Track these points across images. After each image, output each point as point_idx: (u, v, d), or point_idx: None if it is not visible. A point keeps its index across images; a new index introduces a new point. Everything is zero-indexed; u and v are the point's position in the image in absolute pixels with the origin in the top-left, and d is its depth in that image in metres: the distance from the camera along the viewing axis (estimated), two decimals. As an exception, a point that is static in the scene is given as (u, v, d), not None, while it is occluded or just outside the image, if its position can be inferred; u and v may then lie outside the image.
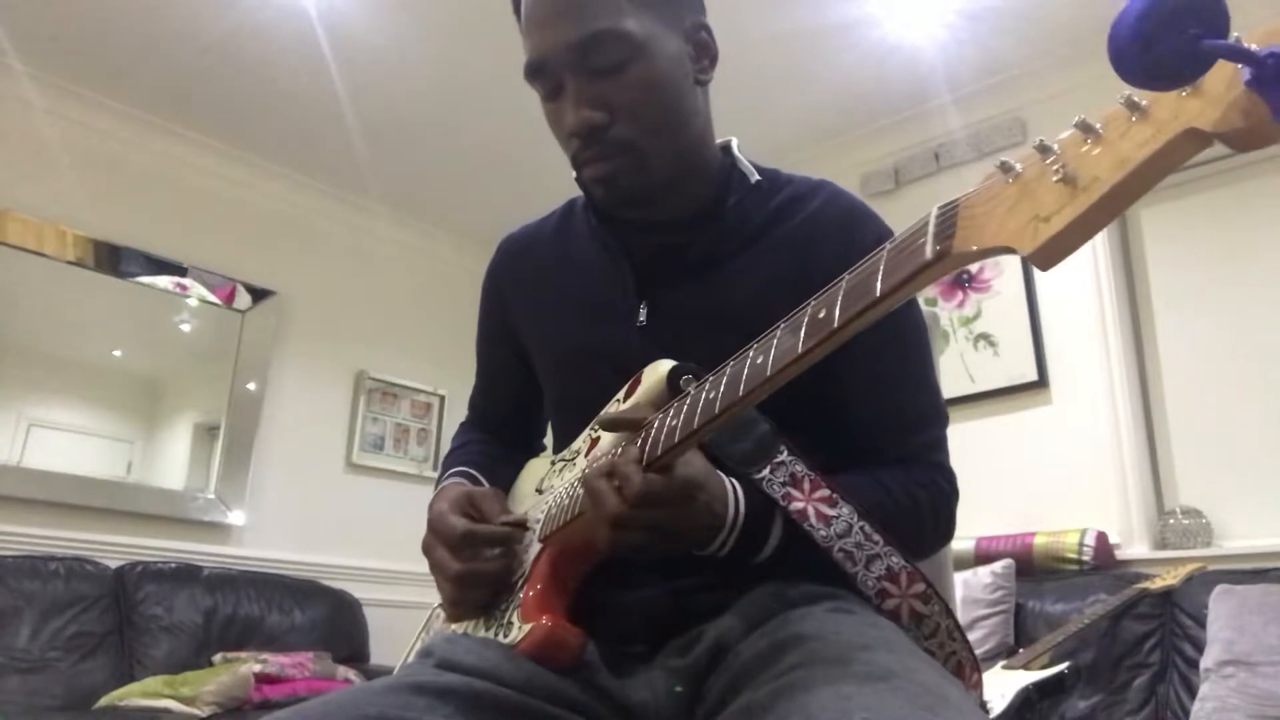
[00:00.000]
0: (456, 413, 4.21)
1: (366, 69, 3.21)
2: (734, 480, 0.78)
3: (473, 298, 1.12)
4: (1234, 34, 0.36)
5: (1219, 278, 2.87)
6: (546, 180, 3.48)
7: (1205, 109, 0.37)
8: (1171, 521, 2.75)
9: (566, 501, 0.83)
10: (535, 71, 0.89)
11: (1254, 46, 0.35)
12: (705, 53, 0.94)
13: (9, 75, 3.18)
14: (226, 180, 3.75)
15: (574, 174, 0.97)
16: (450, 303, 4.23)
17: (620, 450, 0.75)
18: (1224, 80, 0.36)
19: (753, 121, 3.40)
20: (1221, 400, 2.81)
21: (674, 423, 0.70)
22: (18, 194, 3.20)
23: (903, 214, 1.01)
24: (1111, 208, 0.40)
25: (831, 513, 0.76)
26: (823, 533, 0.75)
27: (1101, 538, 2.69)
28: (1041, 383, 3.04)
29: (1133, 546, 2.76)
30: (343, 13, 2.95)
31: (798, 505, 0.75)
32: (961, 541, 2.77)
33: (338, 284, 4.04)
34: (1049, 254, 0.42)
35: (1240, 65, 0.35)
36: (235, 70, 3.24)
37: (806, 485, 0.76)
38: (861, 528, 0.75)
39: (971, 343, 3.20)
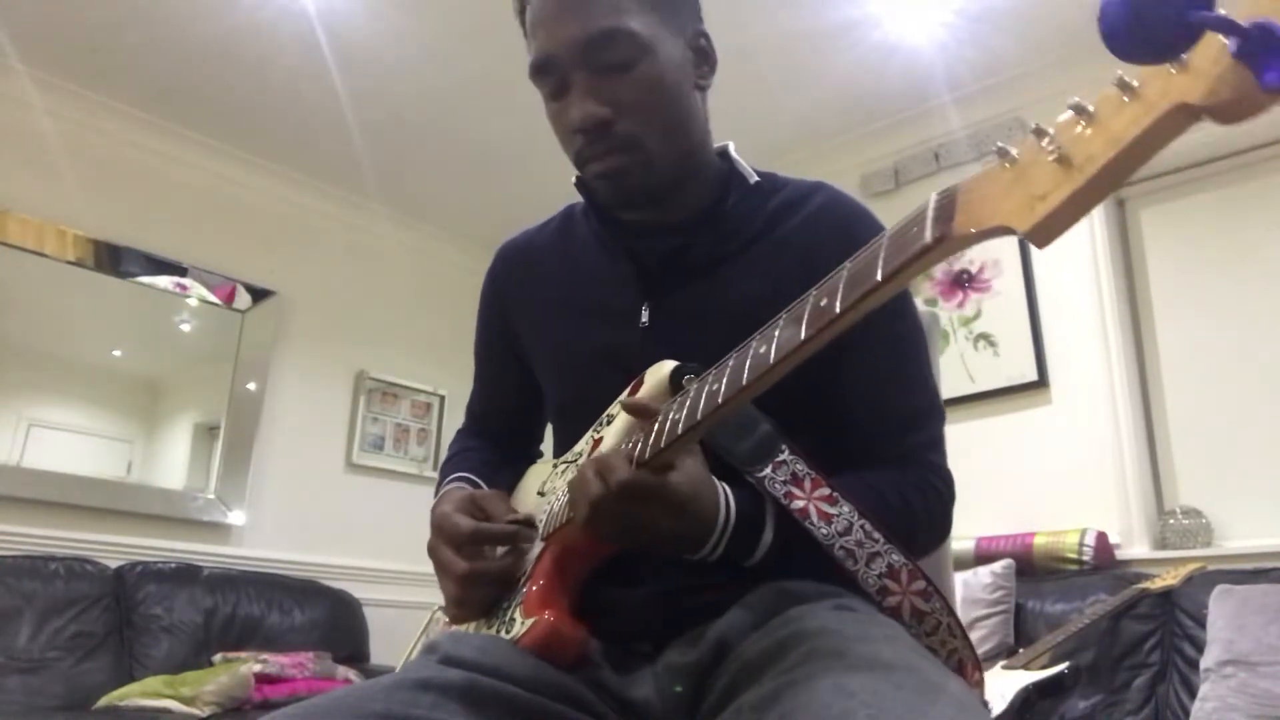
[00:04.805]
0: (456, 413, 4.21)
1: (366, 69, 3.22)
2: (726, 485, 0.78)
3: (473, 298, 1.12)
4: (1220, 9, 0.36)
5: (1219, 278, 2.86)
6: (546, 180, 3.48)
7: (1193, 83, 0.37)
8: (1171, 521, 2.75)
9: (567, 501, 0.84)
10: (541, 69, 0.89)
11: (1239, 18, 0.35)
12: (705, 59, 0.95)
13: (9, 75, 3.18)
14: (226, 180, 3.75)
15: (575, 177, 0.97)
16: (450, 303, 4.23)
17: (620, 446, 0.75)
18: (1211, 55, 0.37)
19: (753, 121, 3.41)
20: (1221, 400, 2.81)
21: (676, 416, 0.70)
22: (18, 194, 3.20)
23: (903, 214, 1.01)
24: (1105, 184, 0.41)
25: (832, 511, 0.76)
26: (824, 531, 0.75)
27: (1101, 538, 2.69)
28: (1041, 383, 3.04)
29: (1133, 546, 2.76)
30: (343, 13, 2.95)
31: (799, 504, 0.76)
32: (961, 541, 2.77)
33: (338, 284, 4.04)
34: (1045, 231, 0.43)
35: (1227, 37, 0.36)
36: (235, 70, 3.24)
37: (808, 484, 0.77)
38: (862, 526, 0.76)
39: (971, 343, 3.19)
